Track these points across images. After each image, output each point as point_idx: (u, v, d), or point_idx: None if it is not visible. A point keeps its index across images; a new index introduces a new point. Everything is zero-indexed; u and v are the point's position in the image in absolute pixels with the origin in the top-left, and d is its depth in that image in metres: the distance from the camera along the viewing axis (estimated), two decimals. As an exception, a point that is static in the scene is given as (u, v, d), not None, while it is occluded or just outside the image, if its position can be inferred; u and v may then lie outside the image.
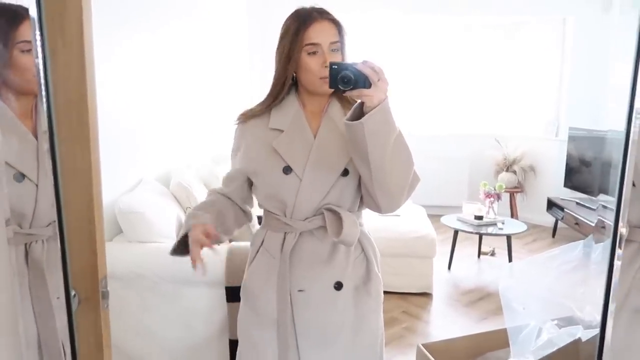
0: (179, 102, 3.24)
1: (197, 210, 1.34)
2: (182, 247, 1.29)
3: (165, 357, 2.18)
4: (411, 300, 3.35)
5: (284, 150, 1.27)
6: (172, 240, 2.36)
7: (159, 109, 2.96)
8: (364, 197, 1.29)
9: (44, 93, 0.75)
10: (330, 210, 1.28)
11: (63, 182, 0.78)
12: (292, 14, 1.28)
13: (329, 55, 1.24)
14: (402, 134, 1.19)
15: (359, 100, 1.15)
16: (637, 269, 1.03)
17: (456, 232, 3.86)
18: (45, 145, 0.72)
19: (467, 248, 4.32)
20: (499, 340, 1.56)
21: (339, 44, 1.25)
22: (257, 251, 1.37)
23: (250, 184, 1.38)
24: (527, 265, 1.84)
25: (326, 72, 1.19)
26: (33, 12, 0.79)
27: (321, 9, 1.28)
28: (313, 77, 1.25)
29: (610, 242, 0.76)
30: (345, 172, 1.27)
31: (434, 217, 4.08)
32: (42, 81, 0.74)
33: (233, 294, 2.11)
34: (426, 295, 3.43)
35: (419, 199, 4.54)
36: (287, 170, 1.26)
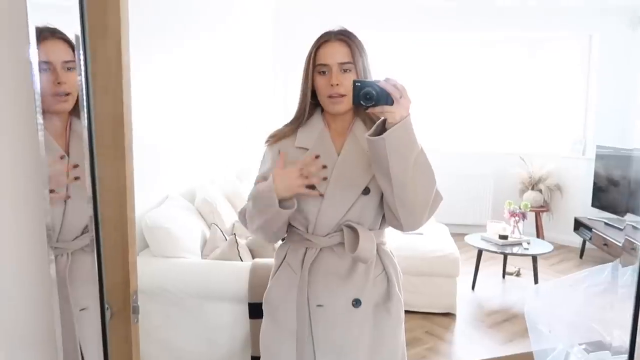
0: (202, 120, 3.31)
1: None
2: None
3: (188, 372, 2.20)
4: (434, 320, 3.30)
5: None
6: (196, 256, 2.41)
7: (184, 126, 3.03)
8: (386, 214, 1.31)
9: (85, 112, 0.79)
10: (349, 227, 1.30)
11: (100, 199, 0.82)
12: (317, 37, 1.32)
13: (339, 76, 1.26)
14: (424, 152, 1.21)
15: (381, 118, 1.17)
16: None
17: (480, 252, 3.80)
18: (86, 163, 0.76)
19: (491, 267, 4.24)
20: (526, 363, 1.53)
21: (350, 65, 1.28)
22: (280, 265, 1.40)
23: None
24: (554, 287, 1.81)
25: (334, 91, 1.25)
26: (75, 32, 0.83)
27: (339, 30, 1.32)
28: (322, 96, 1.30)
29: (639, 263, 0.75)
30: (367, 191, 1.29)
31: (458, 236, 4.03)
32: (84, 101, 0.78)
33: (256, 311, 2.12)
34: (449, 315, 3.37)
35: (442, 218, 4.50)
36: (312, 187, 1.28)
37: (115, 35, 0.92)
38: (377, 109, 1.15)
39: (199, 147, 3.26)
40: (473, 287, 3.86)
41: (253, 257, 2.43)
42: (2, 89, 0.81)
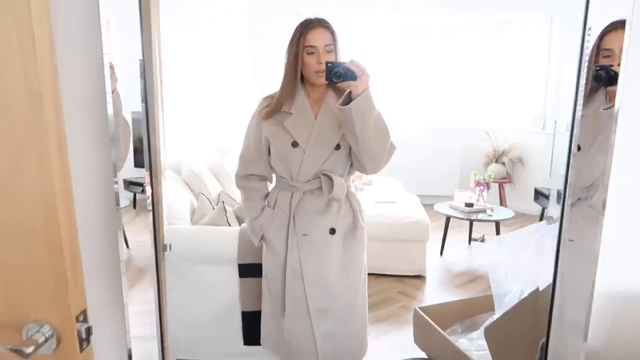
0: (186, 98, 3.41)
1: (254, 220, 1.79)
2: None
3: (185, 328, 2.37)
4: (406, 282, 3.56)
5: (292, 129, 1.63)
6: (187, 223, 2.56)
7: (169, 105, 3.13)
8: (353, 162, 1.69)
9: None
10: (325, 175, 1.67)
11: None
12: (299, 23, 1.62)
13: (324, 55, 1.59)
14: (381, 115, 1.58)
15: (347, 90, 1.52)
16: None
17: (448, 219, 4.08)
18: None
19: (458, 235, 4.54)
20: (488, 304, 1.77)
21: (332, 46, 1.60)
22: (274, 207, 1.75)
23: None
24: (512, 237, 2.05)
25: (320, 68, 1.57)
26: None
27: (321, 19, 1.63)
28: (311, 71, 1.61)
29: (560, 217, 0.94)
30: (338, 147, 1.66)
31: (428, 206, 4.29)
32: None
33: (245, 270, 2.31)
34: (420, 277, 3.64)
35: (413, 188, 4.76)
36: (295, 144, 1.64)
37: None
38: (344, 84, 1.50)
39: (182, 123, 3.37)
40: (441, 253, 4.15)
41: (239, 223, 2.60)
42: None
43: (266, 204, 1.81)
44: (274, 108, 1.66)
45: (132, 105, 1.32)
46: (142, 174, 1.57)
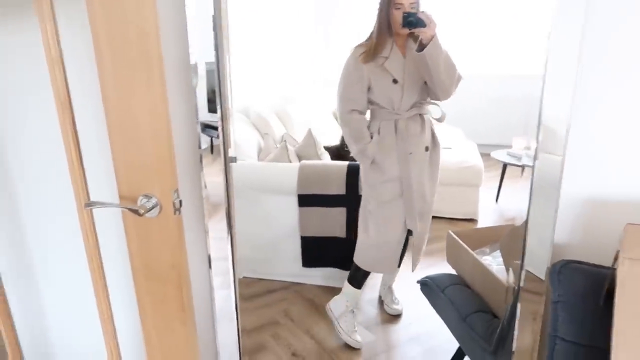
0: (256, 51, 3.71)
1: (366, 145, 2.12)
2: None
3: (253, 249, 2.77)
4: (458, 224, 3.74)
5: (391, 69, 2.01)
6: (254, 160, 2.91)
7: (241, 55, 3.43)
8: (431, 91, 2.06)
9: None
10: (420, 103, 2.08)
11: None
12: None
13: (409, 10, 1.93)
14: (448, 54, 1.94)
15: (420, 37, 1.89)
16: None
17: (505, 165, 4.14)
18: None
19: (517, 183, 4.58)
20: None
21: (415, 4, 1.95)
22: (378, 133, 2.10)
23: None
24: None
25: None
26: None
27: None
28: (396, 23, 1.97)
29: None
30: (424, 82, 2.03)
31: (486, 155, 4.36)
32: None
33: (303, 200, 2.63)
34: (472, 220, 3.80)
35: (473, 136, 4.82)
36: (395, 81, 2.03)
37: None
38: (416, 30, 1.90)
39: (253, 72, 3.68)
40: (497, 199, 4.24)
41: (299, 160, 2.91)
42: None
43: (370, 132, 2.15)
44: (373, 53, 2.01)
45: (206, 57, 1.59)
46: (215, 119, 1.86)
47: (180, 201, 1.06)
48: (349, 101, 2.11)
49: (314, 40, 5.23)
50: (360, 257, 2.28)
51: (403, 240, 2.24)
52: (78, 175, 1.12)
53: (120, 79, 0.98)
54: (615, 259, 1.07)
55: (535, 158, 1.11)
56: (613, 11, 1.09)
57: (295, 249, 2.72)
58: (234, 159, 1.48)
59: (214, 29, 1.42)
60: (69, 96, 1.08)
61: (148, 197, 1.03)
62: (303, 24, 4.98)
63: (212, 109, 1.84)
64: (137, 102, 0.99)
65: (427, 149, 2.13)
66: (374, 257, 2.26)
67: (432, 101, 2.14)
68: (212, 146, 2.22)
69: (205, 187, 1.92)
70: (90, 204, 1.07)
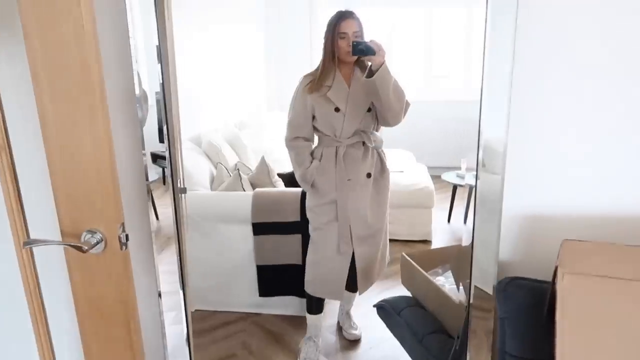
0: (206, 78, 3.70)
1: (306, 170, 2.16)
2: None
3: (207, 281, 2.70)
4: (413, 246, 3.80)
5: (334, 98, 2.07)
6: (207, 189, 2.87)
7: (191, 82, 3.42)
8: (379, 120, 2.13)
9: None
10: (363, 132, 2.12)
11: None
12: (333, 15, 2.04)
13: (352, 39, 1.99)
14: (396, 80, 2.01)
15: (369, 64, 1.95)
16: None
17: (455, 187, 4.28)
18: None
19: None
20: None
21: (358, 32, 2.02)
22: (320, 159, 2.16)
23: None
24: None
25: (349, 49, 1.98)
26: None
27: (350, 11, 2.04)
28: (343, 51, 2.03)
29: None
30: (369, 110, 2.10)
31: (437, 177, 4.49)
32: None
33: (258, 229, 2.61)
34: (426, 242, 3.88)
35: (424, 160, 4.96)
36: (337, 110, 2.08)
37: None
38: (366, 58, 1.97)
39: (203, 99, 3.66)
40: (449, 220, 4.36)
41: (253, 188, 2.90)
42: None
43: (313, 158, 2.20)
44: (317, 83, 2.07)
45: (156, 87, 1.57)
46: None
47: (127, 235, 1.03)
48: (294, 128, 2.18)
49: (267, 66, 5.28)
50: (305, 282, 2.31)
51: (345, 265, 2.22)
52: (15, 211, 1.07)
53: (61, 111, 0.95)
54: (555, 273, 1.13)
55: (476, 177, 1.16)
56: (544, 42, 1.17)
57: (251, 279, 2.68)
58: (184, 190, 1.45)
59: (159, 58, 1.42)
60: (6, 133, 1.04)
61: (92, 232, 1.00)
62: (256, 49, 5.02)
63: (163, 139, 1.81)
64: (79, 134, 0.96)
65: (369, 175, 2.17)
66: (316, 280, 2.28)
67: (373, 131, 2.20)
68: (164, 177, 2.17)
69: (157, 218, 1.87)
70: (29, 242, 1.02)
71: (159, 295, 1.39)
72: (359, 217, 2.16)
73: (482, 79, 1.15)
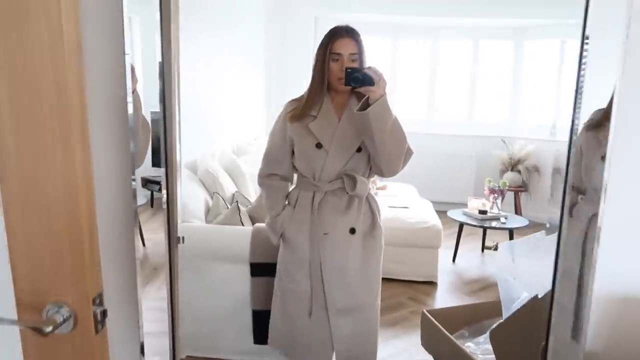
0: (204, 100, 3.48)
1: (276, 217, 1.79)
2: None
3: (197, 324, 2.42)
4: (417, 287, 3.56)
5: (316, 131, 1.65)
6: (201, 222, 2.61)
7: (188, 105, 3.19)
8: (372, 165, 1.70)
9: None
10: (347, 175, 1.70)
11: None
12: (328, 31, 1.65)
13: (348, 63, 1.60)
14: (397, 120, 1.59)
15: (366, 96, 1.53)
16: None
17: (461, 225, 4.06)
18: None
19: (471, 243, 4.52)
20: (496, 310, 1.77)
21: (356, 55, 1.62)
22: (294, 206, 1.76)
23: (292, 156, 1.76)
24: (522, 243, 2.05)
25: (342, 75, 1.58)
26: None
27: (350, 28, 1.64)
28: (334, 77, 1.64)
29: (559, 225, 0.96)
30: (359, 149, 1.68)
31: (441, 213, 4.28)
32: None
33: (256, 270, 2.34)
34: (431, 284, 3.63)
35: (427, 194, 4.75)
36: (319, 145, 1.68)
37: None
38: (362, 89, 1.53)
39: (201, 124, 3.43)
40: (454, 260, 4.13)
41: (252, 223, 2.64)
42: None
43: (287, 202, 1.83)
44: (301, 112, 1.69)
45: (151, 105, 1.37)
46: (159, 173, 1.61)
47: (104, 311, 0.77)
48: (270, 163, 1.83)
49: (267, 89, 5.09)
50: (270, 336, 1.96)
51: (320, 333, 1.80)
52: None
53: (25, 141, 0.71)
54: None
55: (558, 247, 0.93)
56: None
57: (245, 324, 2.41)
58: (181, 240, 1.20)
59: (161, 75, 1.22)
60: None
61: (58, 305, 0.74)
62: (256, 71, 4.83)
63: (155, 162, 1.59)
64: (47, 173, 0.72)
65: (352, 231, 1.73)
66: (282, 339, 1.89)
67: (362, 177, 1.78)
68: (152, 199, 1.95)
69: (144, 245, 1.62)
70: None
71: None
72: (338, 283, 1.73)
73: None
